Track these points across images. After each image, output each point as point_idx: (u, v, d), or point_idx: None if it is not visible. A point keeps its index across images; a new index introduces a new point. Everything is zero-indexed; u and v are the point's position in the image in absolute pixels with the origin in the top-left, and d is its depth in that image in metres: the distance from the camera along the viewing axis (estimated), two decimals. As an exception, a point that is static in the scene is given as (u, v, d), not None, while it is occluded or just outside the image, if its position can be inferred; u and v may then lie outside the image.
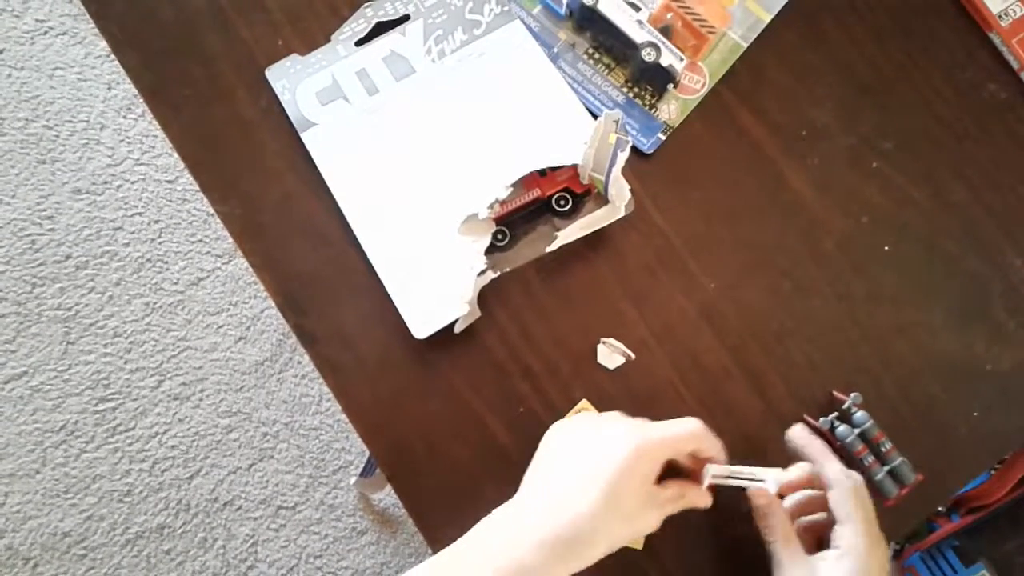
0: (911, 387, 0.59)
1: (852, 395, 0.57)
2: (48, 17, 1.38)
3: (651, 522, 0.47)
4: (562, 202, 0.58)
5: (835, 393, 0.58)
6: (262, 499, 1.30)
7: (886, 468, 0.56)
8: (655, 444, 0.47)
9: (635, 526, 0.47)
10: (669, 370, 0.59)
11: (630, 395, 0.58)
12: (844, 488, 0.50)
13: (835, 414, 0.57)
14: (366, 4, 0.61)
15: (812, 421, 0.57)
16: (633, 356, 0.58)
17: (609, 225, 0.58)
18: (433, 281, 0.56)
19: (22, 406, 1.28)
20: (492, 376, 0.58)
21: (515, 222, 0.58)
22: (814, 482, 0.53)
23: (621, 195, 0.56)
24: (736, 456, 0.56)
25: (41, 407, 1.28)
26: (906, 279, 0.61)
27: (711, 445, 0.50)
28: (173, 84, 0.60)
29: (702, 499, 0.51)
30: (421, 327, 0.55)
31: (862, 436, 0.56)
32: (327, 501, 1.32)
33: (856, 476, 0.51)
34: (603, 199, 0.58)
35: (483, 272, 0.55)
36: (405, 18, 0.61)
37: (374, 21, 0.60)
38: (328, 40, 0.60)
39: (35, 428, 1.28)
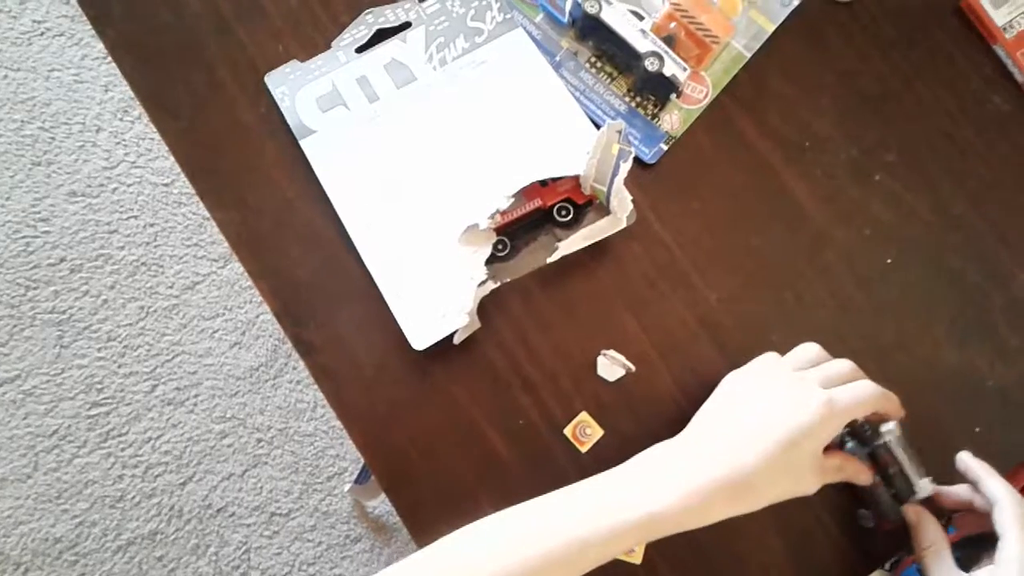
0: (913, 402, 0.58)
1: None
2: (45, 18, 1.38)
3: (814, 486, 0.48)
4: (563, 212, 0.58)
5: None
6: (255, 505, 1.30)
7: (891, 491, 0.55)
8: (843, 410, 0.47)
9: (800, 487, 0.48)
10: (670, 383, 0.58)
11: (630, 407, 0.57)
12: (1008, 505, 0.50)
13: (847, 431, 0.56)
14: (367, 11, 0.60)
15: None
16: (634, 368, 0.57)
17: (610, 236, 0.57)
18: (432, 291, 0.55)
19: (14, 410, 1.27)
20: (491, 387, 0.57)
21: (516, 232, 0.58)
22: (973, 504, 0.54)
23: (623, 206, 0.56)
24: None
25: (33, 411, 1.27)
26: (908, 292, 0.60)
27: (892, 405, 0.51)
28: (171, 89, 0.60)
29: (863, 474, 0.52)
30: (420, 338, 0.55)
31: (871, 456, 0.55)
32: (321, 508, 1.31)
33: (1020, 498, 0.51)
34: (605, 210, 0.57)
35: (483, 282, 0.55)
36: (406, 25, 0.60)
37: (375, 28, 0.60)
38: (328, 46, 0.60)
39: (27, 432, 1.27)
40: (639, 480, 0.47)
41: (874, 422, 0.55)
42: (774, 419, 0.47)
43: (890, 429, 0.54)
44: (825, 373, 0.50)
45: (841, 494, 0.57)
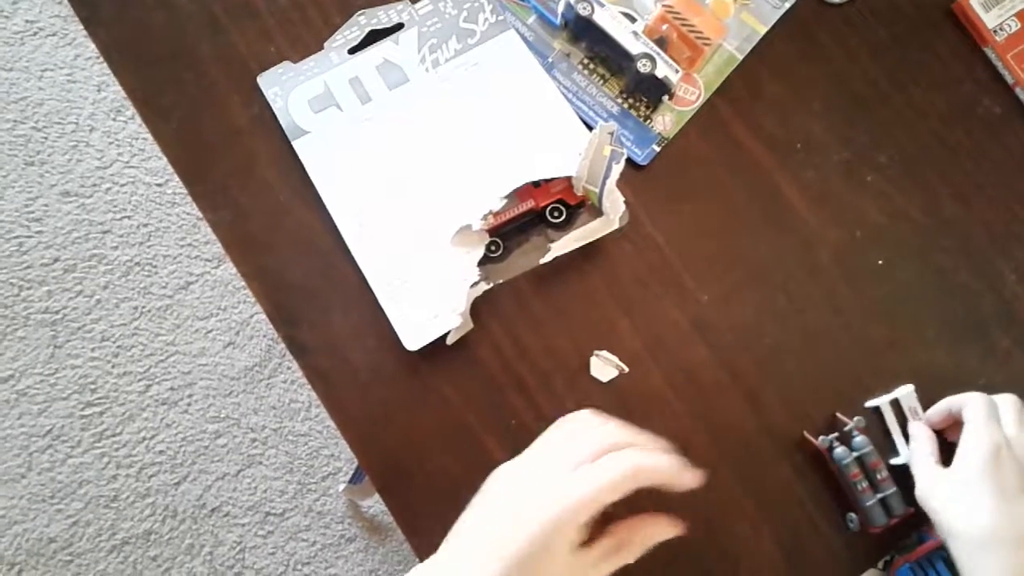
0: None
1: (855, 419, 0.57)
2: (38, 18, 1.38)
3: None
4: (556, 214, 0.58)
5: (838, 415, 0.58)
6: (250, 505, 1.30)
7: (878, 496, 0.56)
8: (573, 511, 0.41)
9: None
10: (662, 383, 0.58)
11: (623, 408, 0.57)
12: (977, 401, 0.53)
13: (835, 435, 0.56)
14: (359, 12, 0.60)
15: (811, 438, 0.57)
16: (627, 369, 0.57)
17: (603, 237, 0.57)
18: (425, 292, 0.56)
19: (8, 410, 1.26)
20: (484, 388, 0.57)
21: (508, 233, 0.58)
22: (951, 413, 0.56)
23: (615, 207, 0.56)
24: (729, 468, 0.56)
25: (27, 411, 1.27)
26: (899, 293, 0.61)
27: (656, 477, 0.43)
28: (164, 90, 0.60)
29: (661, 532, 0.47)
30: (413, 339, 0.55)
31: (859, 461, 0.56)
32: (315, 508, 1.31)
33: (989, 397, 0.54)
34: (597, 211, 0.58)
35: (476, 283, 0.55)
36: (399, 26, 0.60)
37: (367, 29, 0.60)
38: (321, 47, 0.60)
39: (21, 432, 1.26)
40: None
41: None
42: (510, 535, 0.41)
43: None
44: (580, 453, 0.44)
45: (833, 495, 0.57)
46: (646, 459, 0.43)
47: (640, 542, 0.46)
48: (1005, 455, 0.50)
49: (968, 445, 0.51)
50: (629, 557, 0.45)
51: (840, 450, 0.56)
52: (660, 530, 0.47)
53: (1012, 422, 0.52)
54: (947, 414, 0.56)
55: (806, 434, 0.57)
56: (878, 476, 0.56)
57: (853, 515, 0.57)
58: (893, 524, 0.56)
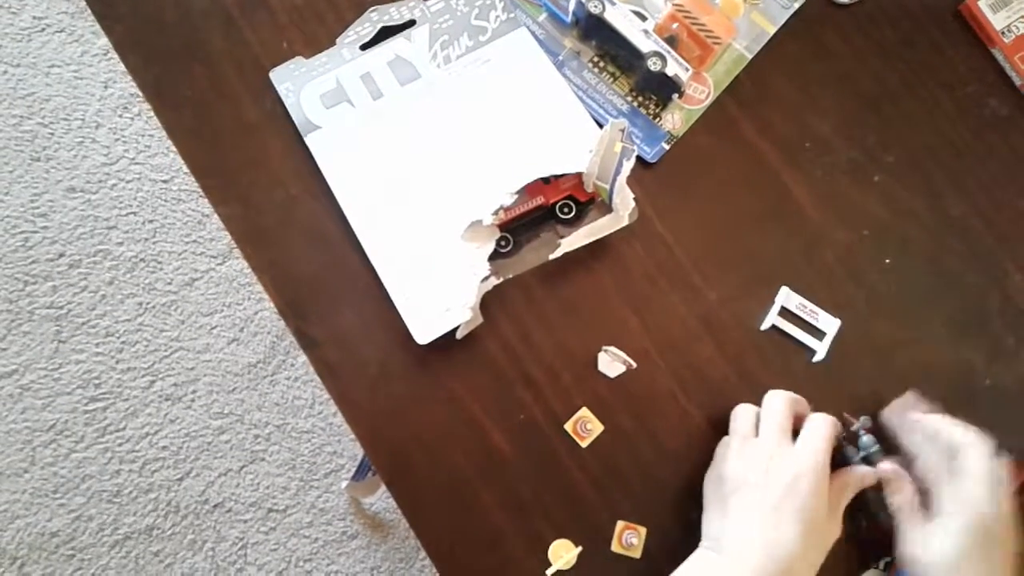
0: (910, 400, 0.59)
1: (861, 418, 0.57)
2: (46, 14, 1.38)
3: (834, 532, 0.52)
4: (566, 210, 0.58)
5: (845, 415, 0.58)
6: (252, 501, 1.30)
7: (884, 496, 0.56)
8: (821, 463, 0.51)
9: (827, 542, 0.51)
10: (670, 380, 0.59)
11: (631, 404, 0.58)
12: (980, 457, 0.52)
13: (842, 435, 0.57)
14: (372, 8, 0.61)
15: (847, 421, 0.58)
16: (635, 365, 0.58)
17: (611, 233, 0.58)
18: (436, 287, 0.56)
19: (11, 404, 1.27)
20: (493, 383, 0.57)
21: (518, 229, 0.58)
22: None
23: (625, 204, 0.56)
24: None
25: (31, 406, 1.27)
26: (906, 293, 0.61)
27: (832, 427, 0.53)
28: (176, 85, 0.60)
29: (867, 477, 0.55)
30: (423, 333, 0.55)
31: (866, 460, 0.56)
32: (318, 504, 1.31)
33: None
34: (607, 207, 0.58)
35: (486, 278, 0.55)
36: (411, 23, 0.61)
37: (379, 25, 0.60)
38: (333, 43, 0.60)
39: (24, 427, 1.27)
40: None
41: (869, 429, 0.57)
42: (786, 497, 0.50)
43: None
44: (775, 426, 0.54)
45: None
46: (825, 416, 0.54)
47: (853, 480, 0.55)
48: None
49: (966, 507, 0.51)
50: (852, 490, 0.54)
51: (848, 450, 0.56)
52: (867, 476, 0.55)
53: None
54: (931, 443, 0.55)
55: None
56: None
57: (857, 514, 0.57)
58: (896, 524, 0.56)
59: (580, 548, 0.56)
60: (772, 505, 0.50)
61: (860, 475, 0.54)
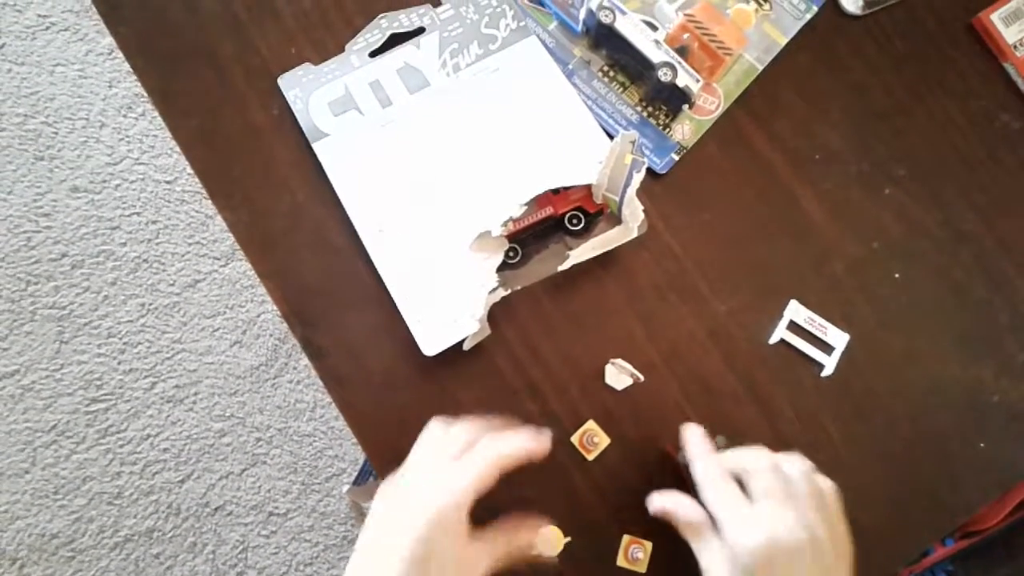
0: (919, 416, 0.59)
1: (717, 438, 0.54)
2: (50, 13, 1.38)
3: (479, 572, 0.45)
4: (575, 221, 0.58)
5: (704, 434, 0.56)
6: (253, 505, 1.29)
7: None
8: (451, 506, 0.44)
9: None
10: (677, 393, 0.58)
11: (637, 417, 0.57)
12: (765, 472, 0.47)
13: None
14: (381, 15, 0.60)
15: (672, 453, 0.56)
16: (642, 378, 0.57)
17: (620, 245, 0.57)
18: (443, 297, 0.55)
19: (13, 405, 1.27)
20: (499, 394, 0.57)
21: (527, 239, 0.58)
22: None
23: (635, 216, 0.56)
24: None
25: (32, 406, 1.27)
26: (916, 307, 0.61)
27: (516, 457, 0.46)
28: (184, 89, 0.60)
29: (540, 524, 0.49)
30: (431, 344, 0.55)
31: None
32: (319, 509, 1.31)
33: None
34: (616, 219, 0.57)
35: (494, 289, 0.55)
36: (420, 30, 0.60)
37: (389, 32, 0.60)
38: (342, 50, 0.60)
39: (25, 427, 1.26)
40: None
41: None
42: (399, 536, 0.44)
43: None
44: (447, 451, 0.48)
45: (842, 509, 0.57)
46: (500, 445, 0.46)
47: (529, 527, 0.49)
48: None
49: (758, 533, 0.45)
50: (523, 541, 0.48)
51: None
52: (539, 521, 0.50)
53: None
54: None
55: (667, 447, 0.56)
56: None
57: None
58: None
59: (569, 538, 0.54)
60: (377, 551, 0.45)
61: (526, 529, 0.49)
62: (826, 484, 0.48)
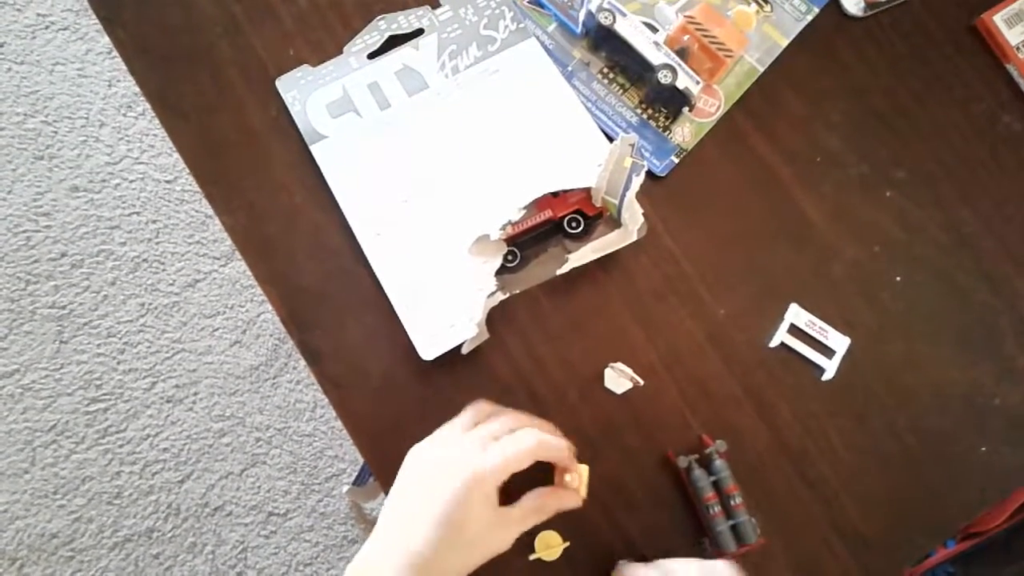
0: (919, 419, 0.59)
1: (717, 442, 0.56)
2: (50, 12, 1.37)
3: (500, 544, 0.48)
4: (574, 224, 0.57)
5: (703, 437, 0.57)
6: (253, 505, 1.29)
7: (730, 522, 0.54)
8: (488, 473, 0.47)
9: (483, 550, 0.47)
10: (676, 396, 0.58)
11: (637, 421, 0.57)
12: None
13: (695, 456, 0.56)
14: (379, 16, 0.60)
15: (672, 458, 0.56)
16: (641, 382, 0.57)
17: (620, 248, 0.57)
18: (441, 301, 0.55)
19: (12, 404, 1.26)
20: (498, 398, 0.56)
21: (526, 243, 0.58)
22: None
23: (634, 219, 0.55)
24: (741, 483, 0.55)
25: (32, 406, 1.27)
26: (916, 310, 0.60)
27: (554, 453, 0.50)
28: (181, 91, 0.59)
29: (567, 499, 0.52)
30: (429, 348, 0.54)
31: (715, 484, 0.55)
32: (319, 509, 1.31)
33: None
34: (615, 222, 0.57)
35: (493, 293, 0.54)
36: (419, 32, 0.60)
37: (387, 34, 0.60)
38: (340, 52, 0.60)
39: (25, 427, 1.26)
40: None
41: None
42: (434, 497, 0.46)
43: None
44: (489, 430, 0.50)
45: (843, 513, 0.57)
46: (545, 437, 0.49)
47: (553, 505, 0.51)
48: None
49: None
50: (544, 516, 0.51)
51: (698, 472, 0.55)
52: (568, 500, 0.52)
53: None
54: None
55: (669, 453, 0.57)
56: (732, 502, 0.55)
57: (705, 539, 0.56)
58: (741, 552, 0.54)
59: (567, 543, 0.55)
60: (410, 509, 0.48)
61: (560, 497, 0.52)
62: None
